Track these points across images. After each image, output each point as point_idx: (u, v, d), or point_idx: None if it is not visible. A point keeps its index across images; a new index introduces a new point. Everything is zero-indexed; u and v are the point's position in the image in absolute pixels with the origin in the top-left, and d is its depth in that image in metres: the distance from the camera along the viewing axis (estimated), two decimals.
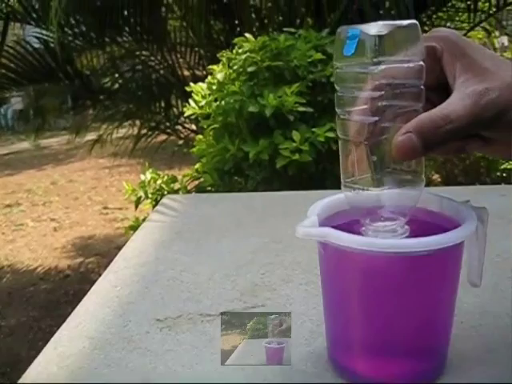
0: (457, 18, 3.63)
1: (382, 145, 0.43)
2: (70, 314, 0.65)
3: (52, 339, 0.60)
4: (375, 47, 0.41)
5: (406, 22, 0.42)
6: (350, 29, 0.42)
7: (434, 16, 3.53)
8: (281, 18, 3.44)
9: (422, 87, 0.43)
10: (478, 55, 0.44)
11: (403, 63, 0.42)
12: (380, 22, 0.42)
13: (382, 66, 0.41)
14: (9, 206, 5.45)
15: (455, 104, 0.42)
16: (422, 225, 0.48)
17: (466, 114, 0.42)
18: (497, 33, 4.92)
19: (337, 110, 0.45)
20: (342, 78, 0.44)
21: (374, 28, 0.41)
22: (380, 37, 0.41)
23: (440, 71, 0.45)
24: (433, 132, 0.42)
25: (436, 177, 3.61)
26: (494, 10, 3.35)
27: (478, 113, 0.42)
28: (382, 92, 0.42)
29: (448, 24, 3.66)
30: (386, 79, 0.42)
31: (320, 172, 1.74)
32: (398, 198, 0.45)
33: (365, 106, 0.43)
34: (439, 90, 0.45)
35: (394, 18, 2.10)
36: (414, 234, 0.45)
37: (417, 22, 0.43)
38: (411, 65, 0.43)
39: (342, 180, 0.46)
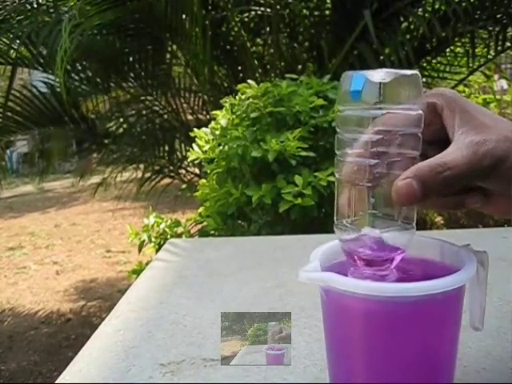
0: (455, 63, 3.69)
1: (377, 189, 0.44)
2: (71, 358, 0.65)
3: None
4: (378, 93, 0.42)
5: (408, 72, 0.44)
6: (355, 74, 0.44)
7: (434, 61, 3.59)
8: (283, 63, 3.50)
9: (419, 135, 0.45)
10: (476, 111, 0.46)
11: (404, 111, 0.44)
12: (384, 70, 0.43)
13: (384, 111, 0.43)
14: (12, 248, 5.45)
15: (453, 153, 0.44)
16: (422, 271, 0.48)
17: (463, 162, 0.43)
18: (496, 76, 4.98)
19: (336, 151, 0.46)
20: (343, 121, 0.45)
21: (378, 75, 0.43)
22: (384, 84, 0.42)
23: (439, 126, 0.47)
24: (431, 178, 0.43)
25: (439, 219, 3.61)
26: (493, 54, 3.41)
27: (475, 162, 0.43)
28: (381, 136, 0.43)
29: (447, 68, 3.72)
30: (386, 126, 0.43)
31: (322, 216, 1.75)
32: (390, 242, 0.46)
33: (364, 149, 0.44)
34: (436, 144, 0.47)
35: (393, 64, 2.14)
36: (413, 279, 0.46)
37: (418, 73, 0.44)
38: (411, 113, 0.44)
39: (334, 220, 0.47)
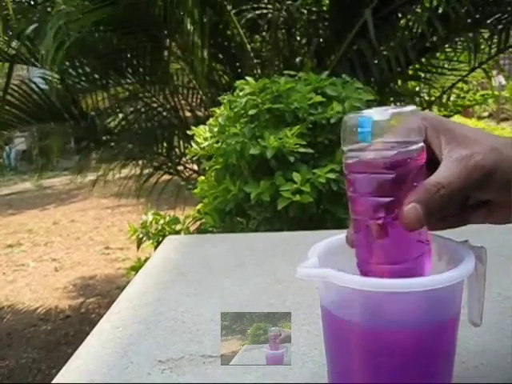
0: (455, 59, 3.68)
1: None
2: (69, 355, 0.65)
3: (53, 381, 0.59)
4: (385, 133, 0.44)
5: (409, 108, 0.45)
6: (360, 118, 0.45)
7: (433, 58, 3.59)
8: (281, 60, 3.50)
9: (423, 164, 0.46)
10: (459, 128, 0.48)
11: (409, 144, 0.45)
12: (384, 108, 0.45)
13: (394, 151, 0.44)
14: (10, 246, 5.45)
15: (444, 171, 0.46)
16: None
17: (455, 177, 0.45)
18: (494, 72, 4.98)
19: (347, 191, 0.47)
20: (352, 165, 0.46)
21: (380, 114, 0.44)
22: (388, 122, 0.44)
23: (426, 148, 0.48)
24: (429, 199, 0.44)
25: None
26: (495, 51, 3.40)
27: (466, 175, 0.45)
28: (393, 176, 0.44)
29: (446, 65, 3.72)
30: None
31: (321, 213, 1.75)
32: None
33: (375, 188, 0.45)
34: (428, 165, 0.48)
35: (389, 61, 2.11)
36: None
37: (415, 108, 0.46)
38: (416, 146, 0.45)
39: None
